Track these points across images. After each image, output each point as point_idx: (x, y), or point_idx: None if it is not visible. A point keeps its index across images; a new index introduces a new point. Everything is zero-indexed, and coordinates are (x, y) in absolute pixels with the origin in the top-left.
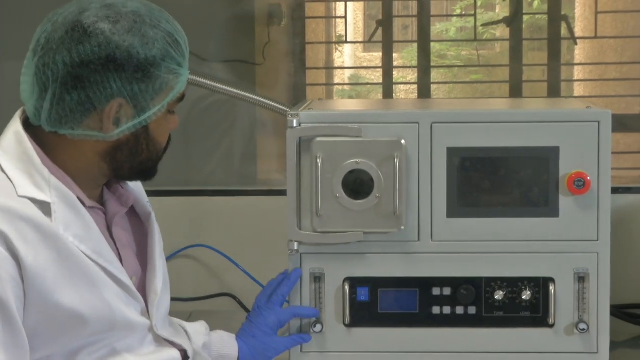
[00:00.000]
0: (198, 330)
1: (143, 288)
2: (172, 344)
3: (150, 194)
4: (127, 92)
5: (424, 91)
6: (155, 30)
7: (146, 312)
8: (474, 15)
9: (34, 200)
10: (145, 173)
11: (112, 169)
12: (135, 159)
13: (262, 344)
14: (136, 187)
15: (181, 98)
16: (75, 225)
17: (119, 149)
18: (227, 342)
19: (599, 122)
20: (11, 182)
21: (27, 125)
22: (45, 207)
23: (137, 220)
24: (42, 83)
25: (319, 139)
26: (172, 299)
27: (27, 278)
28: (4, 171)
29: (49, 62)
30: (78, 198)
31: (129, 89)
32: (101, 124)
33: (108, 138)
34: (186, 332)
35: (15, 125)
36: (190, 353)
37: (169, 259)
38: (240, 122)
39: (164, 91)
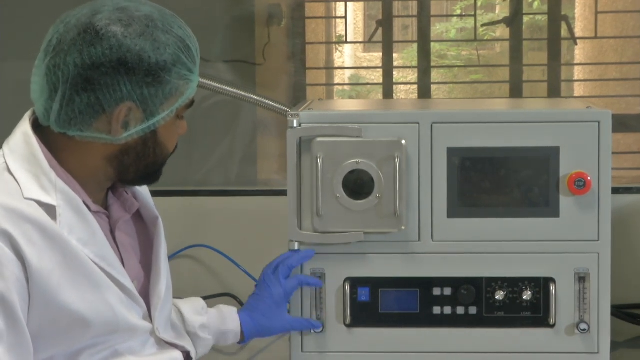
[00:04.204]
0: (194, 309)
1: (145, 292)
2: (175, 346)
3: (151, 194)
4: (136, 96)
5: (424, 91)
6: (167, 35)
7: (148, 316)
8: (474, 15)
9: (39, 203)
10: (149, 176)
11: (118, 173)
12: (141, 163)
13: (267, 319)
14: (143, 191)
15: (190, 104)
16: (79, 229)
17: (126, 152)
18: (227, 316)
19: (599, 122)
20: (18, 183)
21: (36, 125)
22: (50, 210)
23: (142, 223)
24: (52, 84)
25: (319, 139)
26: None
27: (32, 279)
28: (10, 172)
29: (60, 63)
30: (84, 202)
31: (138, 93)
32: (110, 127)
33: (116, 141)
34: (181, 314)
35: (24, 126)
36: (193, 354)
37: (169, 259)
38: (241, 122)
39: (173, 96)
